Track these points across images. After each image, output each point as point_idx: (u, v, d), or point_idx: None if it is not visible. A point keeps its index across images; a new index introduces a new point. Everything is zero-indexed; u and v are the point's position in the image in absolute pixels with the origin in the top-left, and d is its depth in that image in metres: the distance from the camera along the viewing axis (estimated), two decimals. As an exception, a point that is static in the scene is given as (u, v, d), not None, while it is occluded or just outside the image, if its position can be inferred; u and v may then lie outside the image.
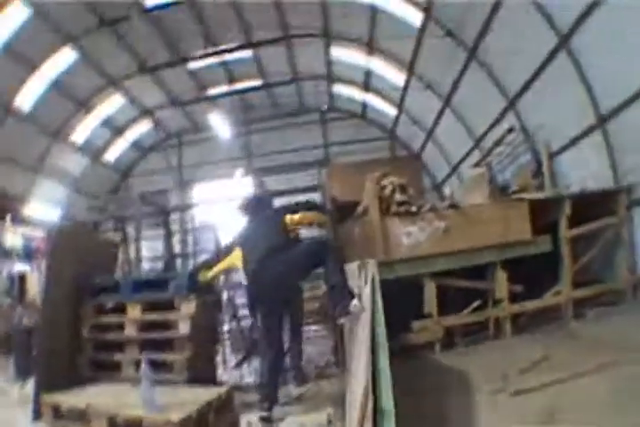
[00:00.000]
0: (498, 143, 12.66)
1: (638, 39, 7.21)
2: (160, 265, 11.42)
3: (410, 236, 7.43)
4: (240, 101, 22.16)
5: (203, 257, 10.48)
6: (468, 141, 14.77)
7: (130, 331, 6.18)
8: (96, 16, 15.28)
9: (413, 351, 6.96)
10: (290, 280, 5.28)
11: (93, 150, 21.16)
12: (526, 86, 10.84)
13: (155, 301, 6.19)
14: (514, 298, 7.48)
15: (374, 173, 7.67)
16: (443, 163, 17.54)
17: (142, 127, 22.84)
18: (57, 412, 4.72)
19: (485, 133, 13.66)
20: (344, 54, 17.34)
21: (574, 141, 9.70)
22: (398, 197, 7.49)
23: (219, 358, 7.41)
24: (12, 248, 13.32)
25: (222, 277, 7.72)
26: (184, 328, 5.85)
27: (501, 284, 7.39)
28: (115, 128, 21.47)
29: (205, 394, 4.66)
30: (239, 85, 20.79)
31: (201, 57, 17.10)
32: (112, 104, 19.93)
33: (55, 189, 19.46)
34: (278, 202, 6.63)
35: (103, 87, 18.71)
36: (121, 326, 6.26)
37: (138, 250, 10.31)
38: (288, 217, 5.35)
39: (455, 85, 13.72)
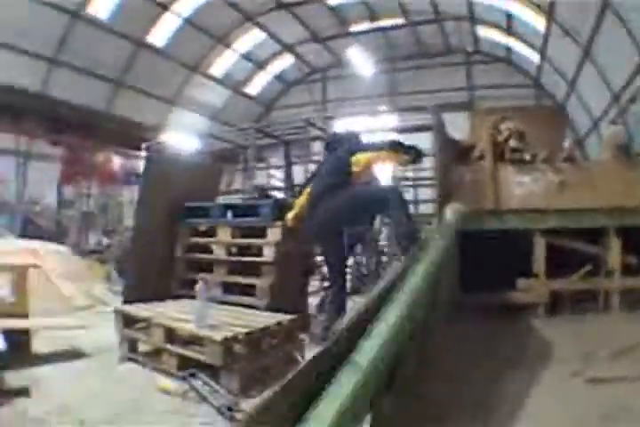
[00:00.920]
0: (633, 100, 11.52)
1: None
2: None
3: (522, 186, 6.95)
4: (383, 39, 21.54)
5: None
6: (607, 96, 13.47)
7: (218, 253, 6.35)
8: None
9: (513, 311, 6.54)
10: (338, 221, 5.01)
11: (234, 83, 21.74)
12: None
13: (245, 226, 6.26)
14: (627, 270, 6.72)
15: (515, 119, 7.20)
16: (585, 117, 16.20)
17: (284, 62, 23.00)
18: (127, 321, 4.92)
19: (624, 89, 12.35)
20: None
21: None
22: (512, 143, 7.01)
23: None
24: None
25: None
26: (269, 254, 5.89)
27: (614, 253, 6.68)
28: (256, 62, 21.81)
29: (267, 320, 4.62)
30: (381, 23, 20.23)
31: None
32: (251, 39, 20.21)
33: (193, 119, 20.26)
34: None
35: (240, 23, 18.96)
36: (211, 249, 6.41)
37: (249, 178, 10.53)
38: (354, 157, 4.98)
39: (593, 35, 12.44)
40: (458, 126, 9.61)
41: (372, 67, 20.15)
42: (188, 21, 17.46)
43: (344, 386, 1.80)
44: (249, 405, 3.58)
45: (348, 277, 7.53)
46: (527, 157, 6.94)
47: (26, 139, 14.58)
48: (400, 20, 19.94)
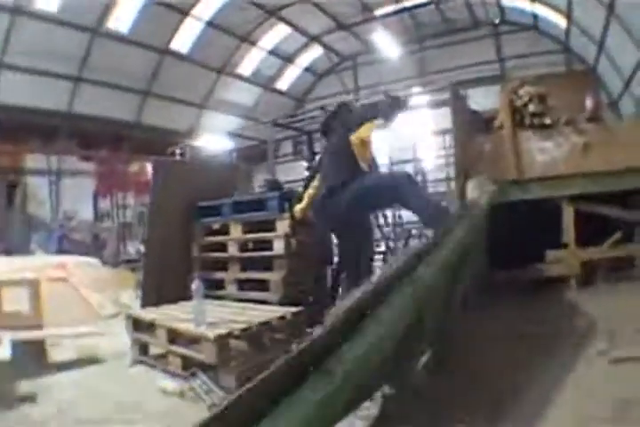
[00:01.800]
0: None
1: None
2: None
3: (544, 152, 6.57)
4: (409, 20, 21.37)
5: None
6: (636, 55, 12.87)
7: (232, 250, 6.37)
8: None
9: (543, 285, 6.22)
10: (351, 215, 4.75)
11: (264, 79, 22.00)
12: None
13: (255, 221, 6.26)
14: None
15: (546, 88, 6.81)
16: (617, 78, 15.57)
17: (313, 53, 23.09)
18: (137, 325, 5.00)
19: None
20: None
21: None
22: (532, 107, 6.65)
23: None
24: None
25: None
26: (279, 248, 5.87)
27: None
28: (284, 57, 21.98)
29: (271, 315, 4.59)
30: (405, 3, 20.01)
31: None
32: (277, 34, 20.41)
33: (225, 120, 20.52)
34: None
35: (264, 19, 19.11)
36: (225, 246, 6.44)
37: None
38: (353, 136, 4.66)
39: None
40: (491, 101, 9.42)
41: (401, 48, 19.97)
42: (210, 24, 17.73)
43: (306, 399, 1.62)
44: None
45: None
46: (548, 121, 6.56)
47: (56, 157, 15.03)
48: (424, -1, 19.58)
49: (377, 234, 8.93)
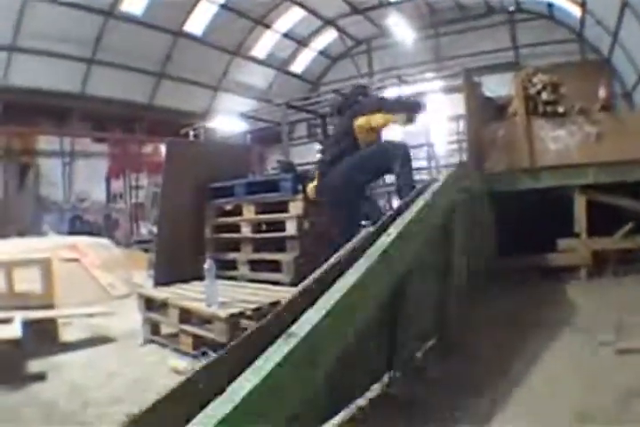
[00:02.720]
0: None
1: None
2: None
3: (557, 141, 6.49)
4: (425, 5, 21.17)
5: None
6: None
7: (245, 231, 6.32)
8: None
9: (554, 274, 6.17)
10: (348, 186, 4.84)
11: (278, 62, 21.97)
12: None
13: (268, 202, 6.21)
14: None
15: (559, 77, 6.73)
16: (631, 68, 15.31)
17: (328, 37, 22.92)
18: (148, 305, 4.98)
19: None
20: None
21: None
22: (545, 95, 6.55)
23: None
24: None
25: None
26: (291, 229, 5.82)
27: None
28: (298, 40, 21.88)
29: (283, 294, 4.53)
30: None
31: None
32: (291, 17, 20.28)
33: (240, 102, 20.42)
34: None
35: (279, 2, 19.00)
36: (238, 227, 6.40)
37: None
38: (357, 122, 4.81)
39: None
40: (505, 88, 9.32)
41: (415, 34, 19.84)
42: (224, 7, 17.60)
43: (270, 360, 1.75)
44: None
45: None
46: (561, 109, 6.48)
47: (69, 139, 15.05)
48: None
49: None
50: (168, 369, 4.06)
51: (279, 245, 5.99)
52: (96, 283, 6.95)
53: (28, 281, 5.40)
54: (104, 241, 8.56)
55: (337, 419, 2.57)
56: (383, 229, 3.03)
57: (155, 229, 13.08)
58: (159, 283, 5.90)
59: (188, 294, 4.80)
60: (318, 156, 12.16)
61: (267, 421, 1.67)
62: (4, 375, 4.01)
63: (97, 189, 15.83)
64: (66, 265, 6.66)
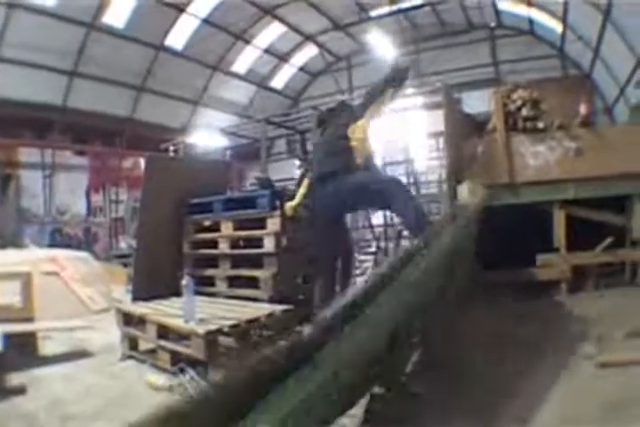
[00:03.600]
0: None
1: None
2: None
3: (537, 156, 6.61)
4: (405, 21, 21.33)
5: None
6: (631, 60, 12.95)
7: (223, 247, 6.43)
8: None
9: (534, 289, 6.23)
10: (337, 210, 4.95)
11: (259, 78, 22.12)
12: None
13: (246, 218, 6.32)
14: None
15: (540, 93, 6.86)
16: (612, 83, 15.68)
17: (308, 53, 23.17)
18: (127, 320, 5.05)
19: None
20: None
21: None
22: (525, 111, 6.70)
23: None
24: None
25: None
26: (269, 245, 5.92)
27: (639, 221, 6.31)
28: (279, 55, 22.06)
29: (260, 312, 4.66)
30: (401, 5, 19.94)
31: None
32: (272, 33, 20.48)
33: (220, 117, 20.54)
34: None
35: (259, 17, 19.21)
36: (216, 243, 6.50)
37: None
38: (351, 129, 4.76)
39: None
40: (485, 104, 9.50)
41: (396, 50, 19.94)
42: (206, 21, 17.76)
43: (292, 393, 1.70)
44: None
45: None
46: (541, 125, 6.62)
47: (50, 151, 15.05)
48: (420, 1, 19.63)
49: (368, 234, 8.98)
50: (146, 385, 4.14)
51: (257, 262, 6.07)
52: (76, 297, 7.00)
53: (7, 294, 5.44)
54: (83, 255, 8.59)
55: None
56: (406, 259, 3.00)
57: (134, 244, 13.19)
58: (137, 298, 5.99)
59: (167, 310, 4.88)
60: (298, 172, 12.35)
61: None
62: (-17, 388, 4.06)
63: (77, 203, 15.85)
64: (46, 278, 6.69)
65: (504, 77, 19.61)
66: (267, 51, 21.17)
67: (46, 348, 5.23)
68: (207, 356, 4.03)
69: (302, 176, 5.71)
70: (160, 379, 4.15)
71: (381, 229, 10.70)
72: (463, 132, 7.27)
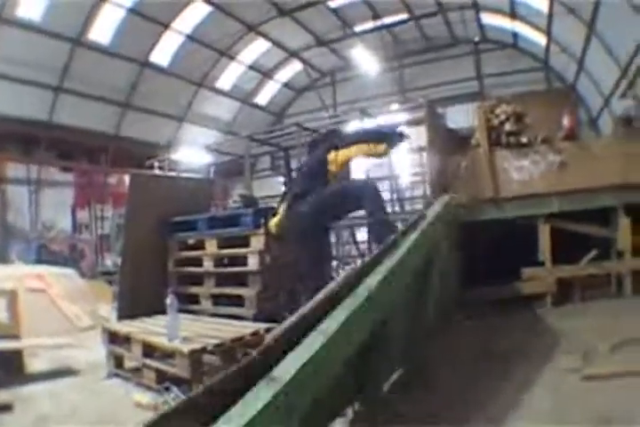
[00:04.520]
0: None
1: None
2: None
3: (521, 171, 6.68)
4: (388, 36, 21.49)
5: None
6: (615, 72, 13.20)
7: (207, 265, 6.53)
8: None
9: (519, 303, 6.27)
10: (313, 222, 4.89)
11: (243, 94, 22.20)
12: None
13: (230, 236, 6.42)
14: (638, 251, 6.33)
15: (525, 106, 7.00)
16: (597, 95, 15.92)
17: (292, 69, 23.28)
18: (112, 338, 5.13)
19: (631, 61, 11.99)
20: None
21: None
22: (508, 126, 6.75)
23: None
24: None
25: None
26: (253, 263, 6.03)
27: (624, 233, 6.31)
28: (263, 72, 22.17)
29: (245, 330, 4.73)
30: (385, 20, 20.15)
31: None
32: (256, 49, 20.59)
33: (204, 133, 20.70)
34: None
35: (243, 34, 19.33)
36: (200, 261, 6.59)
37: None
38: (331, 156, 4.86)
39: (596, 9, 12.16)
40: (470, 118, 9.61)
41: (380, 65, 20.19)
42: (190, 38, 17.91)
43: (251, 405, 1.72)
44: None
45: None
46: (524, 139, 6.68)
47: (36, 167, 15.07)
48: (403, 16, 19.81)
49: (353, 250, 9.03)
50: (131, 403, 4.20)
51: (241, 280, 6.18)
52: (62, 314, 7.06)
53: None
54: (69, 271, 8.64)
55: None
56: (367, 268, 3.08)
57: (119, 262, 13.21)
58: (123, 316, 6.07)
59: (151, 328, 4.95)
60: (283, 189, 12.44)
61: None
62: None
63: (63, 219, 15.88)
64: (32, 295, 6.74)
65: (489, 91, 19.60)
66: (251, 67, 21.32)
67: (32, 365, 5.30)
68: (192, 374, 4.09)
69: (285, 193, 5.77)
70: (145, 397, 4.22)
71: (366, 246, 10.79)
72: (447, 147, 7.35)
